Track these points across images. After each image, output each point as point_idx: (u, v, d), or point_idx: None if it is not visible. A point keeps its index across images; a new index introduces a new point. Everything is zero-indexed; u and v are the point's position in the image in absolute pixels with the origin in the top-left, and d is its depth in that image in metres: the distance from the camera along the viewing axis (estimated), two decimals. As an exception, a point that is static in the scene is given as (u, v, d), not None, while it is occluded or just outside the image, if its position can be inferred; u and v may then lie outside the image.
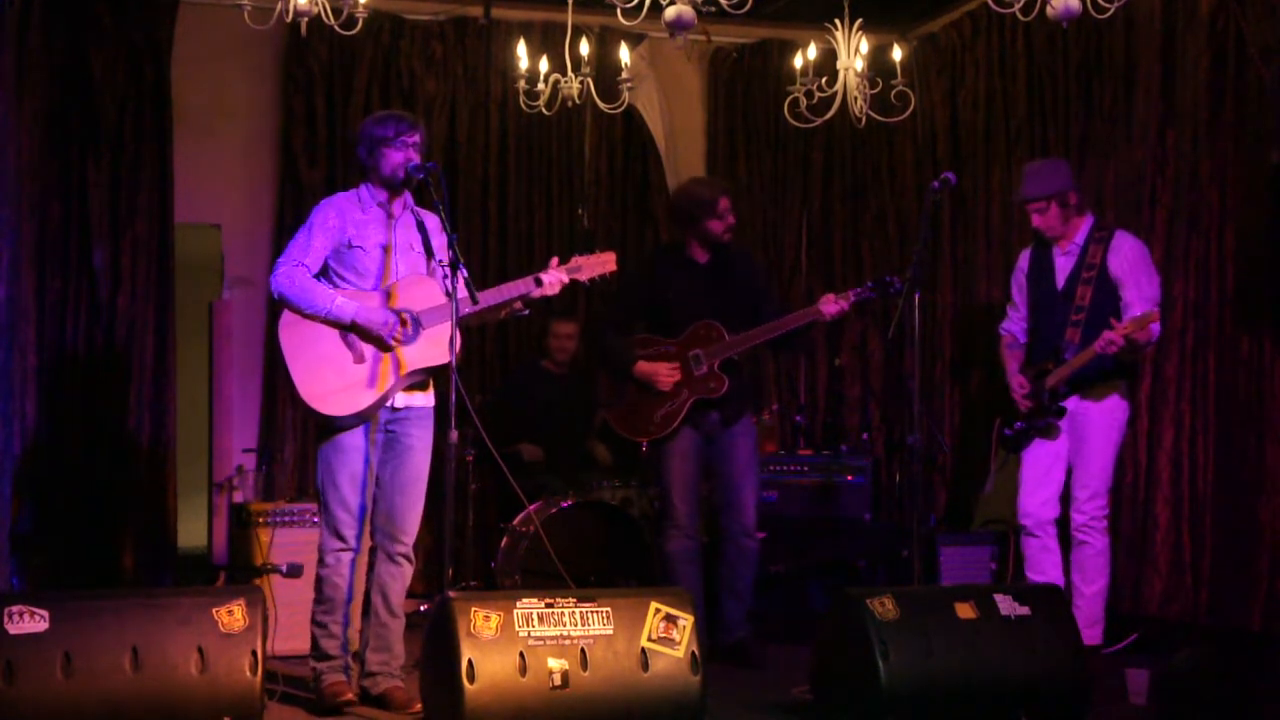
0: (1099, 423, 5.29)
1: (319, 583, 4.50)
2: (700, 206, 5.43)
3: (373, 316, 4.38)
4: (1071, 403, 5.30)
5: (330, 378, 4.37)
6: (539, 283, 4.54)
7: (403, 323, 4.40)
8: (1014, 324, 5.62)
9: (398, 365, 4.42)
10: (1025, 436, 5.41)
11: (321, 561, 4.50)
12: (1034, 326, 5.50)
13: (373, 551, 4.56)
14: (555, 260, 4.65)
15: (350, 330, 4.39)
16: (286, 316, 4.43)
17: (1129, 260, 5.25)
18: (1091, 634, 5.20)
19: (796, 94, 5.40)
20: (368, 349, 4.41)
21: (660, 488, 5.52)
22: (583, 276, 4.65)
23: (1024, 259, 5.58)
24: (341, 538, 4.45)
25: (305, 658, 4.59)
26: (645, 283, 5.56)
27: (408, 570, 4.57)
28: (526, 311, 4.70)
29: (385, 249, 4.50)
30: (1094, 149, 6.29)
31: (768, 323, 5.36)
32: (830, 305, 5.25)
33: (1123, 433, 5.40)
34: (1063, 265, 5.39)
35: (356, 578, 4.53)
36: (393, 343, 4.39)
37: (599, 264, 4.68)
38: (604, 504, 5.92)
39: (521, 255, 7.18)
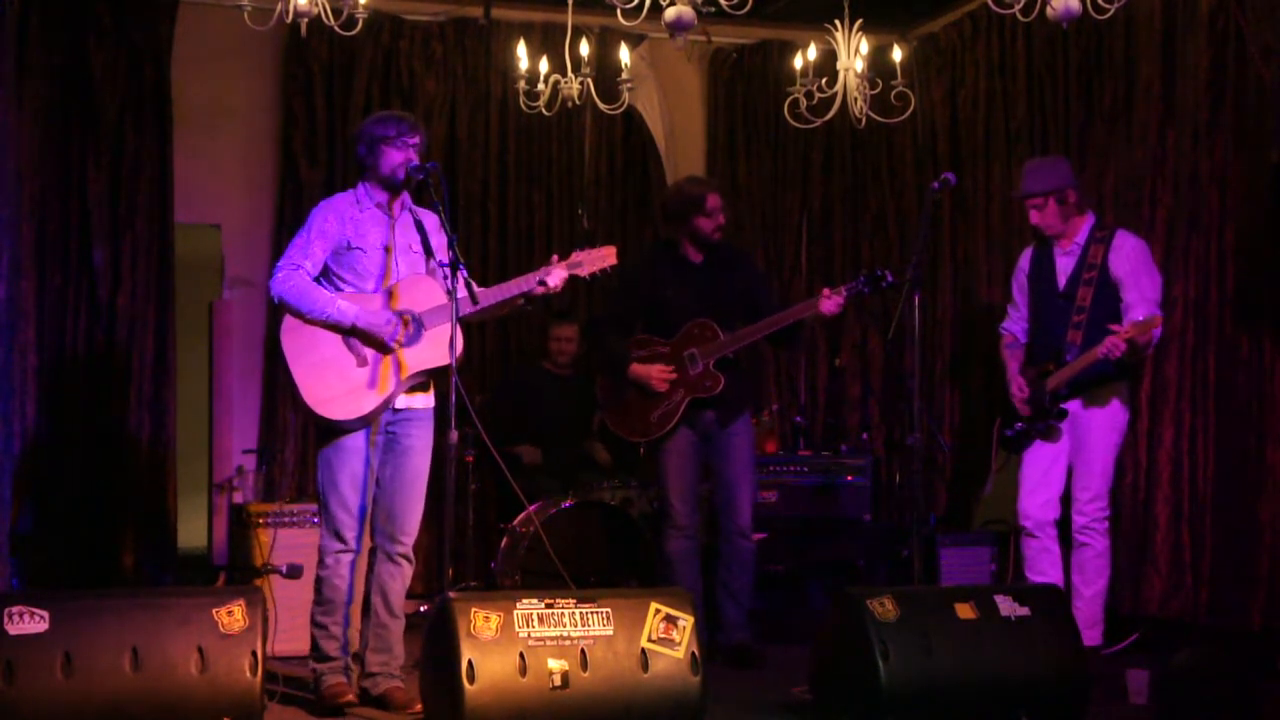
0: (1100, 424, 5.29)
1: (319, 584, 4.50)
2: (689, 204, 5.44)
3: (374, 319, 4.38)
4: (1073, 405, 5.30)
5: (333, 381, 4.37)
6: (543, 284, 4.53)
7: (404, 323, 4.40)
8: (1014, 324, 5.61)
9: (399, 368, 4.41)
10: (1025, 437, 5.40)
11: (321, 563, 4.49)
12: (1035, 326, 5.50)
13: (372, 552, 4.56)
14: (555, 257, 4.65)
15: (351, 334, 4.39)
16: (288, 321, 4.42)
17: (1129, 260, 5.25)
18: (1091, 635, 5.20)
19: (796, 94, 5.40)
20: (369, 351, 4.41)
21: (659, 488, 5.52)
22: (583, 272, 4.64)
23: (1025, 259, 5.58)
24: (342, 539, 4.45)
25: (305, 659, 4.59)
26: (644, 281, 5.55)
27: (408, 571, 4.57)
28: (529, 307, 4.71)
29: (386, 249, 4.50)
30: (1094, 149, 6.28)
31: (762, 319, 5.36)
32: (829, 301, 5.23)
33: (1123, 434, 5.40)
34: (1064, 265, 5.39)
35: (356, 579, 4.53)
36: (394, 345, 4.39)
37: (600, 258, 4.68)
38: (604, 505, 5.92)
39: (521, 255, 7.18)
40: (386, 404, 4.43)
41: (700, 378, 5.37)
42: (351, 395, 4.37)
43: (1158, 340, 5.22)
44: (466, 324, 4.40)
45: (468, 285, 4.25)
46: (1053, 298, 5.39)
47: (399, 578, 4.54)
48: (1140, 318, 5.02)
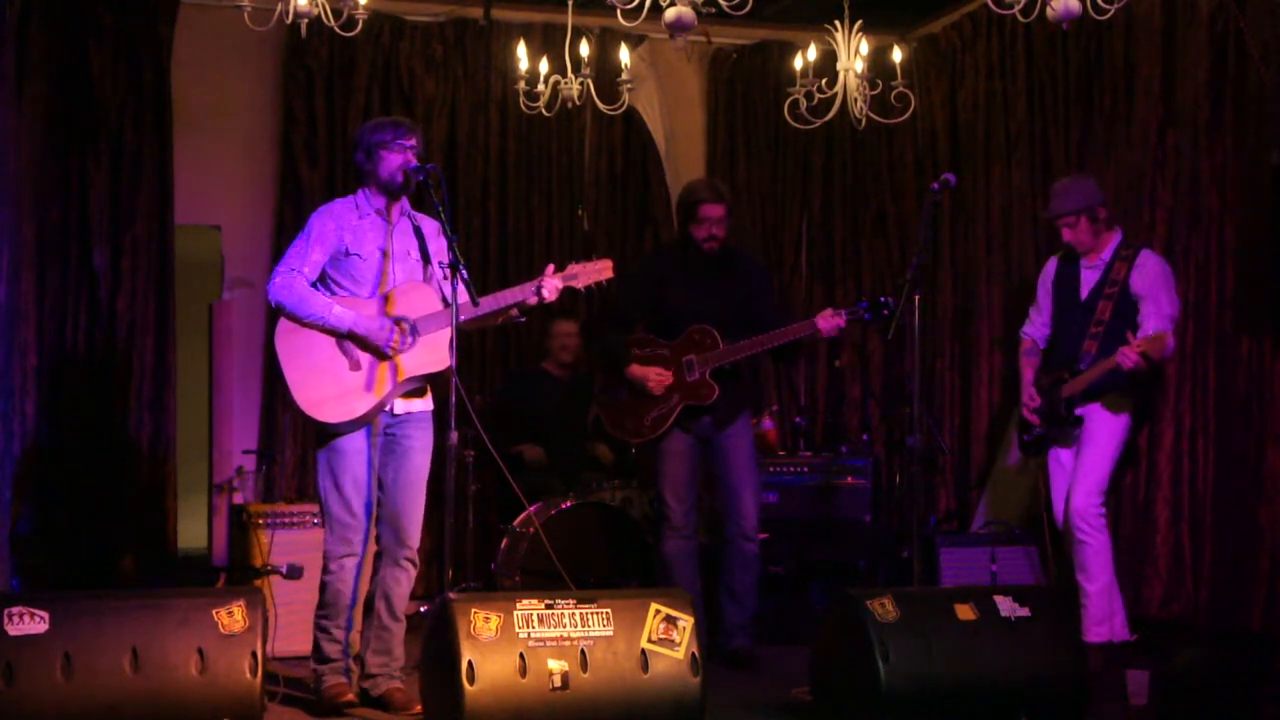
0: (1104, 427, 5.31)
1: (323, 588, 4.48)
2: (685, 208, 5.45)
3: (370, 325, 4.38)
4: (1083, 410, 5.32)
5: (326, 384, 4.37)
6: (539, 293, 4.52)
7: (400, 330, 4.40)
8: (1035, 329, 5.65)
9: (395, 371, 4.41)
10: (1043, 442, 5.44)
11: (325, 568, 4.47)
12: (1055, 333, 5.56)
13: (377, 555, 4.55)
14: (551, 267, 4.62)
15: (348, 339, 4.39)
16: (283, 324, 4.43)
17: (1151, 278, 5.29)
18: (1100, 631, 5.21)
19: (796, 95, 5.40)
20: (364, 356, 4.41)
21: (655, 489, 5.51)
22: (579, 284, 4.63)
23: (1051, 266, 5.62)
24: (346, 543, 4.44)
25: (306, 659, 4.59)
26: (647, 279, 5.55)
27: (412, 574, 4.56)
28: (523, 319, 4.70)
29: (383, 254, 4.50)
30: (1094, 150, 6.29)
31: (763, 334, 5.34)
32: (827, 323, 5.22)
33: (1124, 440, 5.37)
34: (1088, 278, 5.44)
35: (360, 581, 4.52)
36: (390, 352, 4.39)
37: (595, 271, 4.66)
38: (604, 505, 5.92)
39: (521, 257, 7.18)
40: (381, 407, 4.42)
41: (696, 385, 5.36)
42: (344, 398, 4.37)
43: (1170, 355, 5.23)
44: (461, 332, 4.39)
45: (467, 286, 4.24)
46: (1073, 307, 5.44)
47: (404, 582, 4.54)
48: (1151, 333, 5.05)
